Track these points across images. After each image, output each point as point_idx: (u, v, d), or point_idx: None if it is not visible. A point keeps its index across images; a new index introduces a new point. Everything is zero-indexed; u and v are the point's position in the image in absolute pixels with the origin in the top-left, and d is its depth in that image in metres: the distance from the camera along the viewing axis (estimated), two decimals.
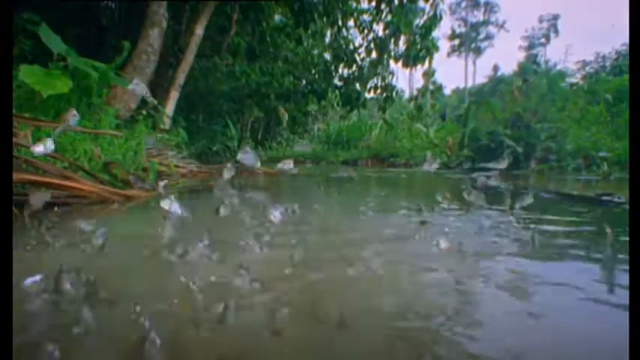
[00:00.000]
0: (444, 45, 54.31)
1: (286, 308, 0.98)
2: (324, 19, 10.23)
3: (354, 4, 11.06)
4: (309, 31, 10.67)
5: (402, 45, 12.22)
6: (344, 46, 12.24)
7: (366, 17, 11.50)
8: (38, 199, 1.51)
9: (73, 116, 1.48)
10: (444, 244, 1.40)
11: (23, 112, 2.96)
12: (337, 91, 12.47)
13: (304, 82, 12.79)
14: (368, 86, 12.53)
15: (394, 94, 12.80)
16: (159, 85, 7.13)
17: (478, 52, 45.67)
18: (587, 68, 27.49)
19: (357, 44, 12.39)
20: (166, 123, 6.45)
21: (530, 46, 45.73)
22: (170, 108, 6.67)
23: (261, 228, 1.65)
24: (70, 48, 3.70)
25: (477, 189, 1.83)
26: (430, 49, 12.08)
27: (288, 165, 1.63)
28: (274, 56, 11.89)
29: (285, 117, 13.61)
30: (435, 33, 11.98)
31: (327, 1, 9.51)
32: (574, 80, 19.88)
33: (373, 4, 10.81)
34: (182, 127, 7.57)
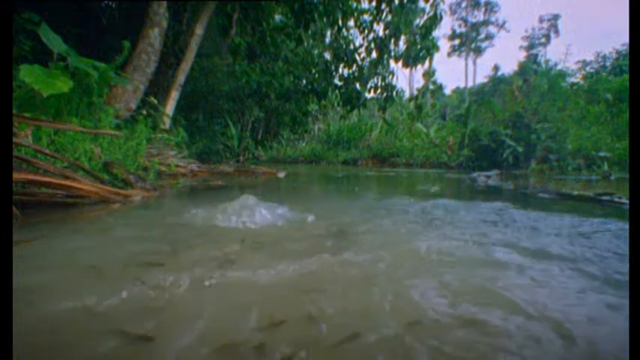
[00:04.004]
0: (445, 45, 54.34)
1: None
2: (325, 19, 10.21)
3: (355, 4, 11.04)
4: (310, 31, 10.65)
5: (402, 45, 12.21)
6: (344, 46, 12.21)
7: (366, 17, 11.47)
8: None
9: None
10: None
11: (23, 112, 2.96)
12: (337, 91, 12.45)
13: (304, 81, 12.77)
14: (368, 86, 12.50)
15: (394, 93, 12.77)
16: (159, 85, 7.13)
17: (478, 52, 45.59)
18: (588, 68, 27.46)
19: (357, 44, 12.37)
20: (166, 123, 6.45)
21: (531, 46, 45.66)
22: (170, 108, 6.67)
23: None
24: (70, 48, 3.70)
25: None
26: (430, 49, 12.06)
27: None
28: (274, 56, 11.87)
29: None
30: (436, 33, 11.99)
31: (327, 1, 9.49)
32: (574, 80, 19.90)
33: (373, 4, 10.79)
34: (182, 127, 7.57)
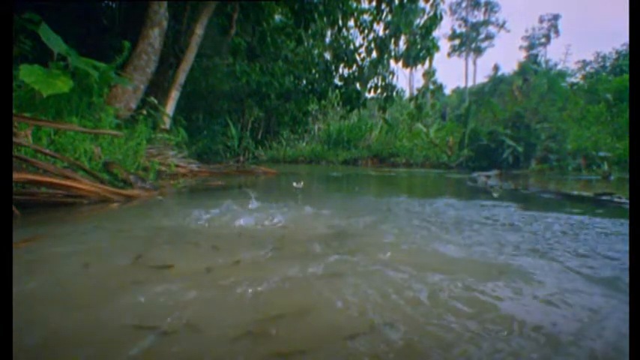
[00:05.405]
0: (445, 45, 54.37)
1: None
2: (325, 19, 10.22)
3: (355, 4, 11.05)
4: (310, 31, 10.66)
5: (402, 45, 12.23)
6: (344, 46, 12.23)
7: (366, 17, 11.49)
8: None
9: None
10: None
11: (23, 112, 2.96)
12: (337, 91, 12.46)
13: (304, 81, 12.78)
14: (368, 86, 12.52)
15: (394, 93, 12.79)
16: (159, 85, 7.13)
17: (478, 51, 45.59)
18: (588, 68, 27.49)
19: (357, 44, 12.39)
20: (166, 123, 6.45)
21: (531, 46, 45.67)
22: (170, 108, 6.67)
23: None
24: (70, 48, 3.70)
25: None
26: (430, 49, 12.08)
27: None
28: (274, 56, 11.88)
29: None
30: (436, 33, 12.00)
31: (328, 1, 9.49)
32: (574, 80, 19.91)
33: (373, 4, 10.80)
34: (182, 127, 7.57)
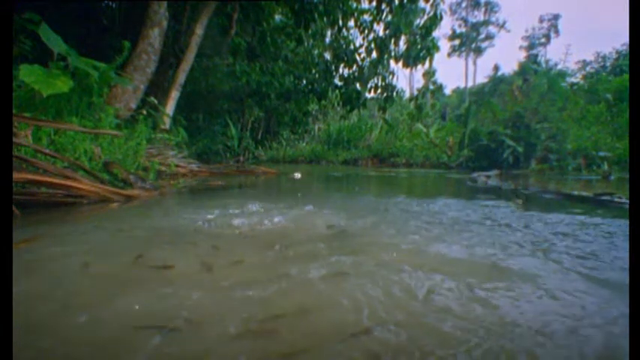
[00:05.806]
0: (445, 45, 54.44)
1: None
2: (325, 19, 10.22)
3: (355, 4, 11.05)
4: (310, 31, 10.67)
5: (402, 45, 12.23)
6: (344, 46, 12.23)
7: (366, 17, 11.49)
8: None
9: None
10: None
11: (23, 112, 2.96)
12: (337, 91, 12.46)
13: (304, 81, 12.78)
14: (368, 86, 12.52)
15: (394, 94, 12.79)
16: (159, 85, 7.13)
17: (479, 52, 45.59)
18: (588, 68, 27.50)
19: (357, 44, 12.39)
20: (166, 123, 6.45)
21: (531, 46, 45.67)
22: (170, 108, 6.67)
23: None
24: (70, 48, 3.70)
25: None
26: (430, 49, 12.08)
27: None
28: (275, 56, 11.88)
29: None
30: (436, 33, 12.02)
31: (328, 1, 9.49)
32: (574, 80, 19.91)
33: (374, 4, 10.80)
34: (182, 127, 7.57)
